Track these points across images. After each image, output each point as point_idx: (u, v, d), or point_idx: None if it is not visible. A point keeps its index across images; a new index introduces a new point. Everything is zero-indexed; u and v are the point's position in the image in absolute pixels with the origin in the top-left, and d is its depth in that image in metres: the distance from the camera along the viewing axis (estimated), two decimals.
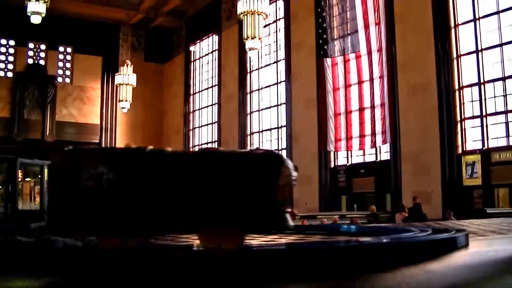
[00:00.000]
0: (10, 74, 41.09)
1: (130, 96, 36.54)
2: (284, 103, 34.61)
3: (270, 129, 36.13)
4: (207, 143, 42.07)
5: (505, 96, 23.64)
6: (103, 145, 42.31)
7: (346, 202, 30.75)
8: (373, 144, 28.56)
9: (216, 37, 41.54)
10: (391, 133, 27.17)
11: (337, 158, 31.59)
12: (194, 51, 44.36)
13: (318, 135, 30.94)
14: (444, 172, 24.66)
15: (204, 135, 42.77)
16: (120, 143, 43.13)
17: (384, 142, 27.86)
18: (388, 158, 28.09)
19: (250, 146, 36.97)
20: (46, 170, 21.78)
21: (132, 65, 37.07)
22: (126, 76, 36.52)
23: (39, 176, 22.16)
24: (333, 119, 30.51)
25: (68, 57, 42.75)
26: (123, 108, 37.56)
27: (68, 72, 42.61)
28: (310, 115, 31.46)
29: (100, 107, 42.91)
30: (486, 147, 24.10)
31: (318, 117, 31.18)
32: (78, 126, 42.02)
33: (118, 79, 37.38)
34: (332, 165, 31.46)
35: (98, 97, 42.94)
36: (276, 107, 35.63)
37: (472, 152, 24.56)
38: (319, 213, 27.71)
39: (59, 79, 42.13)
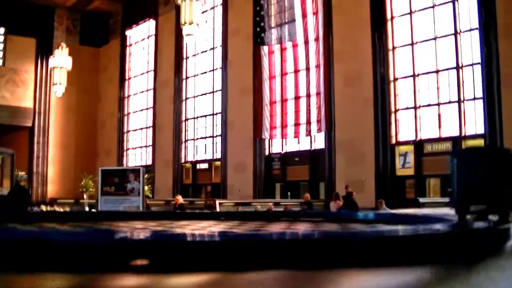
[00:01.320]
0: None
1: (64, 79, 35.87)
2: (219, 90, 34.63)
3: (205, 116, 36.07)
4: (141, 129, 41.83)
5: (438, 88, 24.10)
6: (36, 129, 41.62)
7: (280, 189, 31.01)
8: (308, 133, 28.83)
9: (153, 22, 41.18)
10: (326, 122, 27.46)
11: (271, 146, 31.73)
12: (130, 36, 43.89)
13: (253, 123, 31.06)
14: (378, 162, 25.08)
15: (139, 121, 42.45)
16: (53, 127, 42.47)
17: (319, 130, 28.14)
18: (323, 147, 28.34)
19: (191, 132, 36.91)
20: None
21: (67, 48, 36.41)
22: (61, 59, 35.85)
23: None
24: (269, 107, 30.67)
25: (1, 38, 41.80)
26: (56, 91, 36.84)
27: (0, 54, 41.67)
28: (246, 102, 31.55)
29: (33, 90, 42.03)
30: (419, 138, 24.57)
31: (253, 105, 31.30)
32: (11, 110, 41.03)
33: (52, 62, 36.62)
34: (267, 153, 31.60)
35: (31, 80, 42.01)
36: (212, 93, 35.62)
37: (405, 142, 25.05)
38: (253, 200, 27.88)
39: None
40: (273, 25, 31.04)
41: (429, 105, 24.48)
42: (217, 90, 35.08)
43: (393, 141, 25.32)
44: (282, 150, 31.20)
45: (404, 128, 25.31)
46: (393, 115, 25.47)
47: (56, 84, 35.98)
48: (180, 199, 23.12)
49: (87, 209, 26.04)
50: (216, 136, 34.85)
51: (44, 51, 41.61)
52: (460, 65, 23.29)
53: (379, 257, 1.69)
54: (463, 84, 23.22)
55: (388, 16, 25.98)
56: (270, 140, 31.42)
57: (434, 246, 1.97)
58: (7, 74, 41.22)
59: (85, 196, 29.26)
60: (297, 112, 29.31)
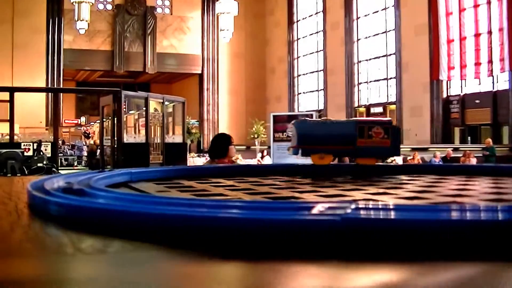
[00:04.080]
0: (109, 7, 40.73)
1: (231, 25, 35.67)
2: (392, 30, 33.37)
3: (378, 57, 34.95)
4: (312, 73, 41.22)
5: None
6: (205, 76, 41.98)
7: (459, 134, 29.79)
8: (490, 73, 27.25)
9: None
10: (510, 60, 25.76)
11: (449, 87, 30.42)
12: None
13: (429, 64, 29.77)
14: None
15: (309, 64, 41.81)
16: (222, 73, 42.66)
17: (502, 70, 26.53)
18: (507, 88, 26.81)
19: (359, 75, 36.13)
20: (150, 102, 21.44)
21: None
22: (227, 5, 35.55)
23: (144, 108, 21.84)
24: (446, 46, 29.22)
25: None
26: (224, 37, 36.78)
27: (167, 2, 42.08)
28: (421, 42, 30.26)
29: (201, 37, 42.28)
30: None
31: (429, 44, 29.97)
32: (179, 57, 41.68)
33: (218, 7, 36.57)
34: (445, 95, 30.32)
35: (198, 27, 42.29)
36: (384, 34, 34.40)
37: None
38: (430, 146, 27.05)
39: (159, 10, 41.72)
40: None
41: None
42: (389, 30, 33.82)
43: None
44: (461, 92, 29.82)
45: None
46: None
47: (223, 30, 35.85)
48: None
49: (259, 155, 25.87)
50: (390, 78, 33.77)
51: None
52: None
53: None
54: None
55: None
56: (448, 82, 30.06)
57: None
58: (174, 22, 41.72)
59: (256, 143, 29.18)
60: (477, 50, 27.70)
